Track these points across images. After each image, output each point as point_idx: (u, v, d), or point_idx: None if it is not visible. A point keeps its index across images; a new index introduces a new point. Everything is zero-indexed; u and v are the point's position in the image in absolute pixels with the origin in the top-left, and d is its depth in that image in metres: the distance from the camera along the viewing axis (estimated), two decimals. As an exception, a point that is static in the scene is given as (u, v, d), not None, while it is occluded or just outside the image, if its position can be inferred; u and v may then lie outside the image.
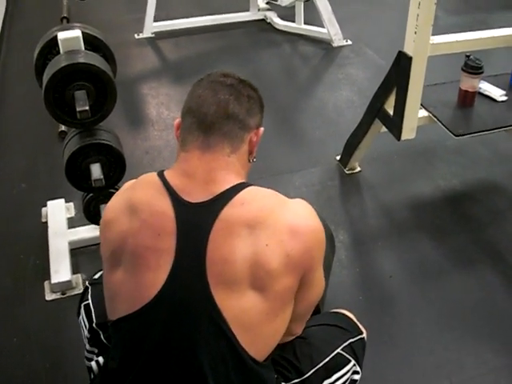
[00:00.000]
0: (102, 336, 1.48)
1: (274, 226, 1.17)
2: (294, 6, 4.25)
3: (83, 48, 1.96)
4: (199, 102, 1.25)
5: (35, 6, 4.85)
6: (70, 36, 1.94)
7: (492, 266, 2.29)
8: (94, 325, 1.49)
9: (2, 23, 4.41)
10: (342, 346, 1.44)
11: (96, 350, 1.49)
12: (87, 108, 1.86)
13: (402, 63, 2.16)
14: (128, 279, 1.21)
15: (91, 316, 1.51)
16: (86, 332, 1.52)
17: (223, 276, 1.15)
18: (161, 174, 1.25)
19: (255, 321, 1.17)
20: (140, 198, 1.23)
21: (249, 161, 1.31)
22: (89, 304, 1.54)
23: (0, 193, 2.78)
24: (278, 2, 4.35)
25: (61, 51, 1.95)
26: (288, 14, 4.37)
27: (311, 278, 1.25)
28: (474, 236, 2.44)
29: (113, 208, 1.28)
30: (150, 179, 1.26)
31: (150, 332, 1.19)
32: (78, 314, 1.57)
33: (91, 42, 2.03)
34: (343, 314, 1.57)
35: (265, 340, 1.22)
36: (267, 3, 4.52)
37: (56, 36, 1.96)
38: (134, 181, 1.33)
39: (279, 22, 4.37)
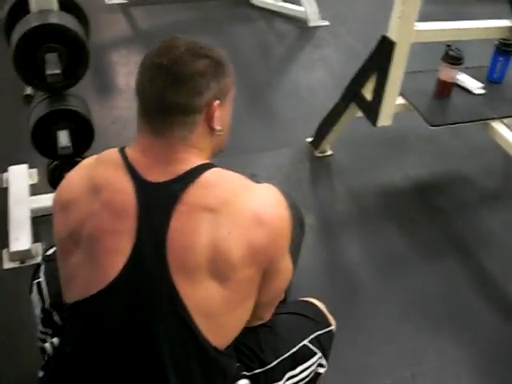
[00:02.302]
0: (55, 317, 1.43)
1: (239, 213, 1.11)
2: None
3: (57, 8, 1.86)
4: (141, 92, 1.16)
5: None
6: (43, -6, 1.85)
7: (458, 259, 2.31)
8: (46, 305, 1.44)
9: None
10: (309, 338, 1.42)
11: (50, 331, 1.44)
12: (59, 72, 1.78)
13: (385, 48, 2.14)
14: (85, 262, 1.15)
15: (43, 295, 1.46)
16: (38, 312, 1.46)
17: (184, 262, 1.09)
18: (122, 151, 1.18)
19: (216, 310, 1.12)
20: (101, 176, 1.16)
21: (213, 135, 1.20)
22: (40, 282, 1.47)
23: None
24: (255, -23, 4.27)
25: (33, 10, 1.85)
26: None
27: (277, 267, 1.21)
28: (441, 227, 2.45)
29: (71, 187, 1.20)
30: (111, 156, 1.18)
31: (107, 317, 1.14)
32: (30, 291, 1.50)
33: (64, 3, 1.94)
34: (313, 304, 1.54)
35: (226, 329, 1.18)
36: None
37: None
38: (93, 157, 1.24)
39: (256, -1, 4.29)
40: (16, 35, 1.81)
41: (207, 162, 1.18)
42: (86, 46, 1.86)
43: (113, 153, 1.19)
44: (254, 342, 1.34)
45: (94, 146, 2.09)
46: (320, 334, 1.44)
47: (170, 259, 1.09)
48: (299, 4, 4.10)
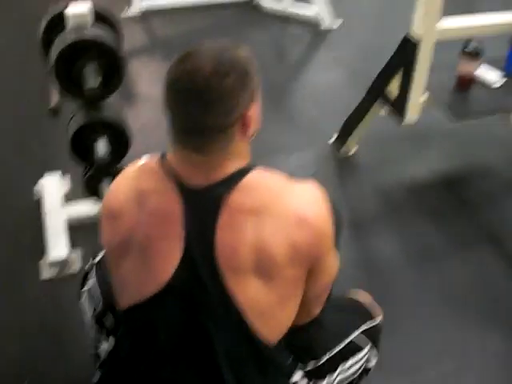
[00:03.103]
0: (106, 322, 1.46)
1: (281, 214, 1.13)
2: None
3: (91, 23, 1.92)
4: (172, 111, 1.14)
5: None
6: (78, 11, 1.90)
7: (490, 248, 2.34)
8: (97, 311, 1.47)
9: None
10: (357, 332, 1.45)
11: (102, 337, 1.46)
12: (97, 85, 1.84)
13: (409, 47, 2.17)
14: (137, 268, 1.18)
15: (94, 301, 1.49)
16: (89, 318, 1.50)
17: (232, 263, 1.12)
18: (163, 159, 1.20)
19: (266, 307, 1.15)
20: (145, 185, 1.19)
21: (248, 141, 1.22)
22: (90, 289, 1.51)
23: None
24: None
25: (69, 26, 1.90)
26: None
27: (322, 265, 1.23)
28: (471, 219, 2.48)
29: (119, 198, 1.23)
30: (152, 166, 1.21)
31: (162, 320, 1.18)
32: (79, 297, 1.54)
33: (99, 16, 1.99)
34: (360, 296, 1.57)
35: (278, 325, 1.21)
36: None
37: (62, 11, 1.92)
38: (136, 167, 1.26)
39: (267, 4, 4.31)
40: (55, 51, 1.87)
41: (247, 164, 1.20)
42: (122, 58, 1.92)
43: (153, 162, 1.22)
44: (304, 338, 1.36)
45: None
46: (368, 328, 1.47)
47: (219, 261, 1.12)
48: (311, 5, 4.11)
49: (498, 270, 2.25)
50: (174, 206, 1.15)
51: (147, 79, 3.44)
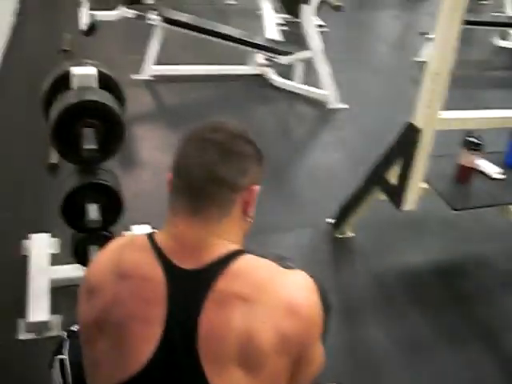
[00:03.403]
0: None
1: (271, 303, 1.08)
2: (292, 65, 4.31)
3: (96, 86, 1.93)
4: (186, 164, 1.14)
5: (37, 38, 4.84)
6: (84, 72, 1.92)
7: (483, 346, 2.27)
8: None
9: (4, 51, 4.39)
10: None
11: None
12: (94, 147, 1.83)
13: (410, 135, 2.19)
14: (112, 350, 1.11)
15: (65, 374, 1.41)
16: None
17: (215, 352, 1.05)
18: (151, 236, 1.16)
19: None
20: (129, 262, 1.14)
21: (245, 221, 1.21)
22: (64, 360, 1.43)
23: (-18, 221, 2.69)
24: (277, 60, 4.40)
25: (73, 86, 1.92)
26: (286, 71, 4.43)
27: (308, 356, 1.16)
28: (465, 312, 2.42)
29: (98, 272, 1.17)
30: (139, 242, 1.16)
31: None
32: (50, 366, 1.45)
33: (103, 81, 2.01)
34: None
35: None
36: (266, 59, 4.58)
37: (68, 71, 1.94)
38: (121, 241, 1.22)
39: (277, 79, 4.43)
40: (56, 109, 1.88)
41: (238, 248, 1.16)
42: (123, 123, 1.92)
43: (141, 237, 1.17)
44: None
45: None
46: None
47: (200, 349, 1.06)
48: (319, 87, 4.20)
49: (491, 369, 2.17)
50: (157, 286, 1.09)
51: (149, 145, 3.47)
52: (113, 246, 1.22)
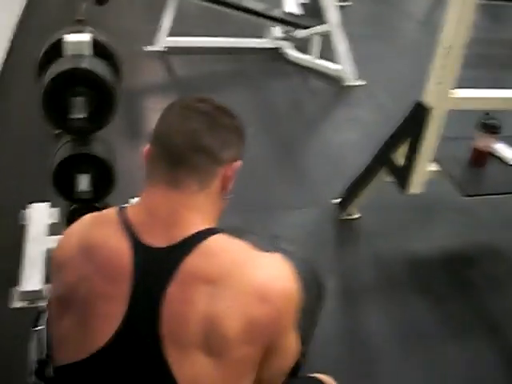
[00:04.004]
0: (49, 369, 1.31)
1: (240, 286, 1.02)
2: (309, 39, 4.20)
3: (90, 53, 1.86)
4: (168, 130, 1.10)
5: (52, 7, 4.78)
6: (76, 40, 1.86)
7: (486, 338, 2.17)
8: (43, 356, 1.33)
9: (19, 20, 4.37)
10: None
11: None
12: (83, 116, 1.77)
13: (420, 114, 2.08)
14: (76, 326, 1.08)
15: (42, 345, 1.34)
16: (33, 361, 1.39)
17: (177, 335, 1.01)
18: (121, 211, 1.11)
19: None
20: (96, 237, 1.10)
21: (222, 198, 1.16)
22: (42, 330, 1.37)
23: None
24: (294, 33, 4.29)
25: (65, 53, 1.85)
26: (303, 46, 4.32)
27: (280, 345, 1.11)
28: (471, 302, 2.32)
29: (66, 247, 1.14)
30: (108, 216, 1.12)
31: None
32: (29, 337, 1.40)
33: (99, 48, 1.94)
34: (321, 382, 1.41)
35: None
36: (284, 33, 4.47)
37: (62, 38, 1.88)
38: (92, 215, 1.18)
39: (293, 54, 4.33)
40: (47, 77, 1.82)
41: (212, 227, 1.10)
42: (115, 92, 1.85)
43: (111, 212, 1.13)
44: None
45: (123, 189, 2.07)
46: None
47: (162, 330, 1.01)
48: (336, 62, 4.08)
49: (494, 364, 2.07)
50: (123, 263, 1.05)
51: (157, 118, 3.39)
52: (83, 220, 1.18)
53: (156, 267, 1.04)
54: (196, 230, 1.06)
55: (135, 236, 1.06)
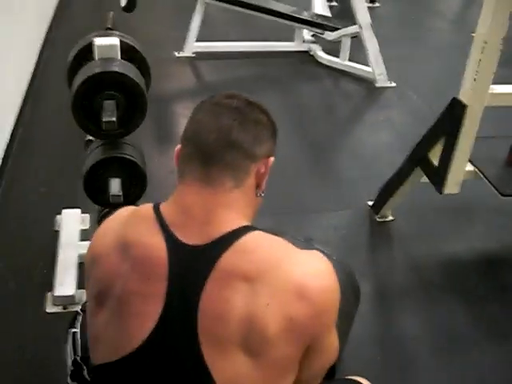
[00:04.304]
0: (85, 372, 1.34)
1: (278, 283, 1.00)
2: (339, 41, 4.17)
3: (119, 57, 1.86)
4: (199, 128, 1.09)
5: (82, 15, 4.84)
6: (106, 43, 1.86)
7: (527, 345, 2.10)
8: (78, 358, 1.36)
9: (49, 27, 4.43)
10: None
11: None
12: (114, 119, 1.77)
13: (455, 111, 2.03)
14: (112, 324, 1.07)
15: (76, 347, 1.38)
16: (69, 363, 1.38)
17: (215, 334, 1.00)
18: (156, 208, 1.10)
19: None
20: (133, 235, 1.09)
21: (256, 195, 1.14)
22: (76, 333, 1.40)
23: (18, 194, 2.73)
24: (323, 36, 4.25)
25: (95, 57, 1.86)
26: (333, 48, 4.28)
27: (320, 345, 1.08)
28: (509, 306, 2.25)
29: (103, 242, 1.13)
30: (144, 213, 1.11)
31: None
32: (65, 340, 1.43)
33: (128, 53, 1.95)
34: (359, 382, 1.39)
35: None
36: (313, 35, 4.44)
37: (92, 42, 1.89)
38: (129, 210, 1.17)
39: (323, 56, 4.28)
40: (77, 81, 1.83)
41: (247, 224, 1.08)
42: (144, 95, 1.85)
43: (146, 208, 1.11)
44: None
45: (151, 194, 2.06)
46: None
47: (200, 328, 1.00)
48: (366, 64, 4.04)
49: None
50: (159, 261, 1.04)
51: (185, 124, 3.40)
52: (118, 216, 1.17)
53: (192, 265, 1.02)
54: (232, 228, 1.04)
55: (171, 234, 1.05)
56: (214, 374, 0.99)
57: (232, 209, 1.07)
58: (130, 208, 1.18)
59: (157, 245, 1.04)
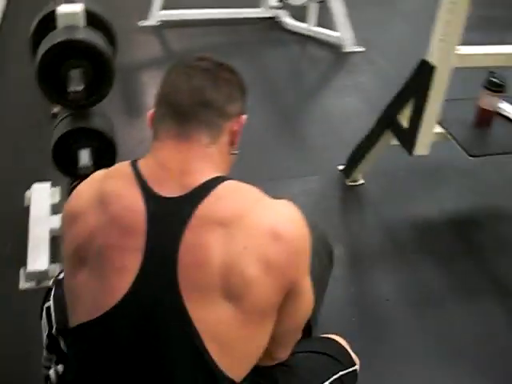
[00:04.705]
0: (61, 344, 1.35)
1: (253, 227, 1.03)
2: (306, 7, 4.12)
3: (83, 24, 1.82)
4: (172, 90, 1.12)
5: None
6: (69, 10, 1.81)
7: (496, 300, 2.15)
8: (53, 331, 1.37)
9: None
10: (331, 379, 1.31)
11: (54, 358, 1.37)
12: (81, 88, 1.72)
13: (424, 72, 2.03)
14: (91, 281, 1.07)
15: (51, 320, 1.38)
16: (44, 337, 1.39)
17: (195, 281, 1.01)
18: (134, 164, 1.11)
19: (231, 336, 1.02)
20: (110, 189, 1.10)
21: (230, 153, 1.18)
22: (50, 307, 1.40)
23: (-15, 172, 2.67)
24: (289, 1, 4.20)
25: (59, 26, 1.80)
26: (300, 14, 4.24)
27: (297, 290, 1.10)
28: (479, 265, 2.30)
29: (80, 199, 1.13)
30: (122, 169, 1.12)
31: (112, 341, 1.06)
32: (40, 315, 1.43)
33: (92, 20, 1.89)
34: (335, 341, 1.42)
35: (243, 358, 1.07)
36: (279, 1, 4.38)
37: (54, 10, 1.83)
38: (104, 170, 1.18)
39: (289, 22, 4.24)
40: (40, 50, 1.78)
41: (223, 175, 1.11)
42: (112, 63, 1.81)
43: (124, 165, 1.13)
44: (271, 383, 1.23)
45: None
46: (343, 375, 1.33)
47: (180, 278, 1.00)
48: (334, 29, 4.01)
49: (503, 324, 2.06)
50: (137, 215, 1.04)
51: (154, 92, 3.33)
52: (95, 175, 1.18)
53: (170, 216, 1.04)
54: (208, 178, 1.06)
55: (148, 187, 1.06)
56: (195, 323, 1.00)
57: (207, 162, 1.09)
58: (108, 168, 1.18)
59: (134, 198, 1.05)
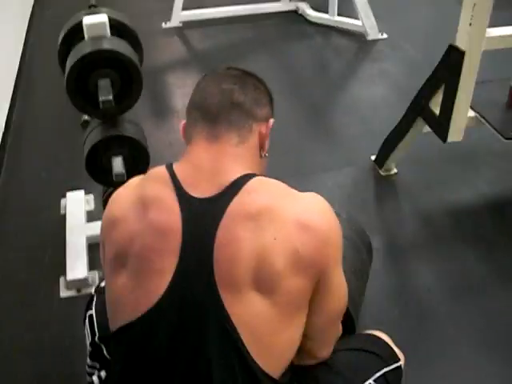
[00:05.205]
0: (104, 351, 1.38)
1: (282, 218, 1.06)
2: (327, -3, 4.09)
3: (109, 34, 1.83)
4: (203, 95, 1.20)
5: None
6: (95, 21, 1.83)
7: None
8: (96, 339, 1.40)
9: (32, 9, 4.37)
10: (374, 377, 1.29)
11: (98, 365, 1.40)
12: (111, 98, 1.74)
13: (453, 58, 2.00)
14: (132, 283, 1.11)
15: (94, 328, 1.42)
16: (88, 345, 1.42)
17: (230, 277, 1.04)
18: (169, 167, 1.16)
19: (266, 329, 1.05)
20: (149, 194, 1.14)
21: (260, 156, 1.23)
22: (92, 315, 1.44)
23: (20, 182, 2.72)
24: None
25: (85, 37, 1.82)
26: (321, 4, 4.20)
27: (328, 281, 1.12)
28: (521, 249, 2.25)
29: (120, 204, 1.17)
30: (158, 173, 1.17)
31: (152, 342, 1.08)
32: (84, 322, 1.47)
33: (117, 28, 1.92)
34: (377, 337, 1.40)
35: (278, 352, 1.09)
36: (299, -7, 4.36)
37: (81, 21, 1.85)
38: (141, 176, 1.23)
39: (311, 14, 4.21)
40: (69, 62, 1.79)
41: (252, 172, 1.13)
42: (139, 70, 1.82)
43: (160, 170, 1.17)
44: (312, 383, 1.23)
45: (151, 168, 2.04)
46: (387, 372, 1.32)
47: (216, 274, 1.04)
48: (356, 18, 3.97)
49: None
50: (172, 217, 1.09)
51: (182, 93, 3.35)
52: (133, 181, 1.23)
53: (203, 216, 1.07)
54: (238, 175, 1.10)
55: (182, 190, 1.10)
56: (232, 318, 1.03)
57: (238, 161, 1.14)
58: (140, 175, 1.23)
59: (171, 201, 1.09)
